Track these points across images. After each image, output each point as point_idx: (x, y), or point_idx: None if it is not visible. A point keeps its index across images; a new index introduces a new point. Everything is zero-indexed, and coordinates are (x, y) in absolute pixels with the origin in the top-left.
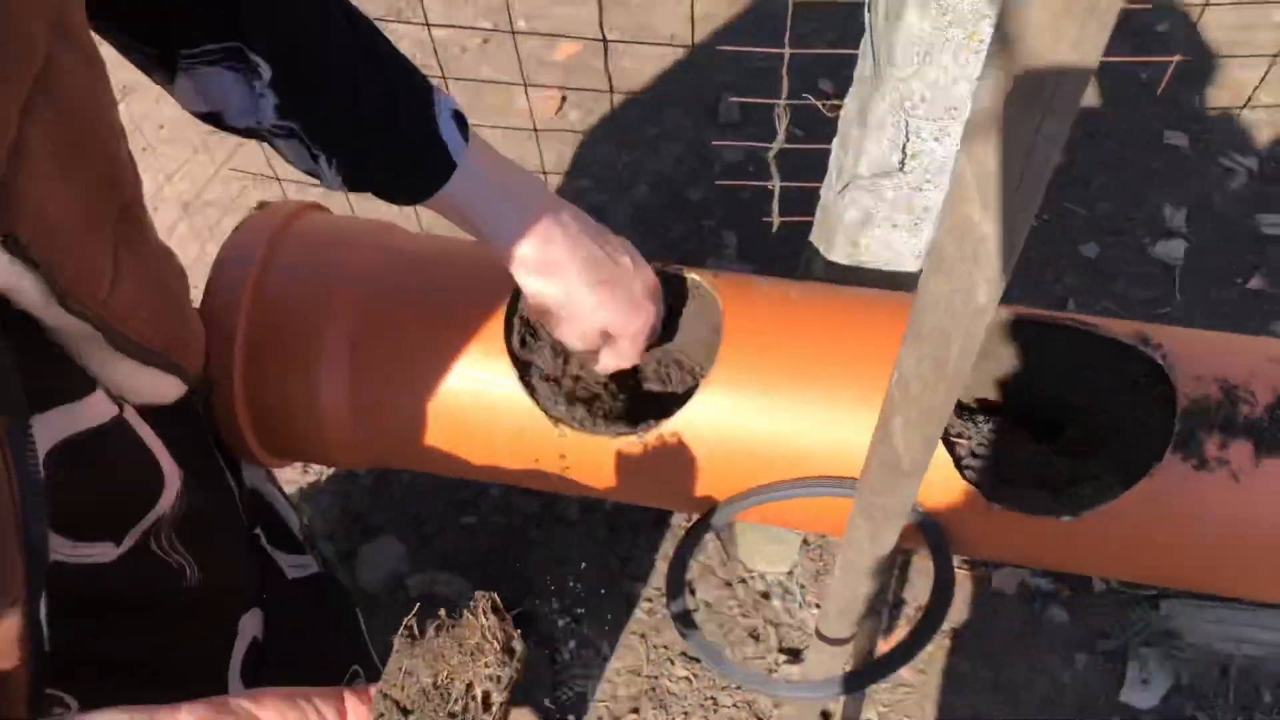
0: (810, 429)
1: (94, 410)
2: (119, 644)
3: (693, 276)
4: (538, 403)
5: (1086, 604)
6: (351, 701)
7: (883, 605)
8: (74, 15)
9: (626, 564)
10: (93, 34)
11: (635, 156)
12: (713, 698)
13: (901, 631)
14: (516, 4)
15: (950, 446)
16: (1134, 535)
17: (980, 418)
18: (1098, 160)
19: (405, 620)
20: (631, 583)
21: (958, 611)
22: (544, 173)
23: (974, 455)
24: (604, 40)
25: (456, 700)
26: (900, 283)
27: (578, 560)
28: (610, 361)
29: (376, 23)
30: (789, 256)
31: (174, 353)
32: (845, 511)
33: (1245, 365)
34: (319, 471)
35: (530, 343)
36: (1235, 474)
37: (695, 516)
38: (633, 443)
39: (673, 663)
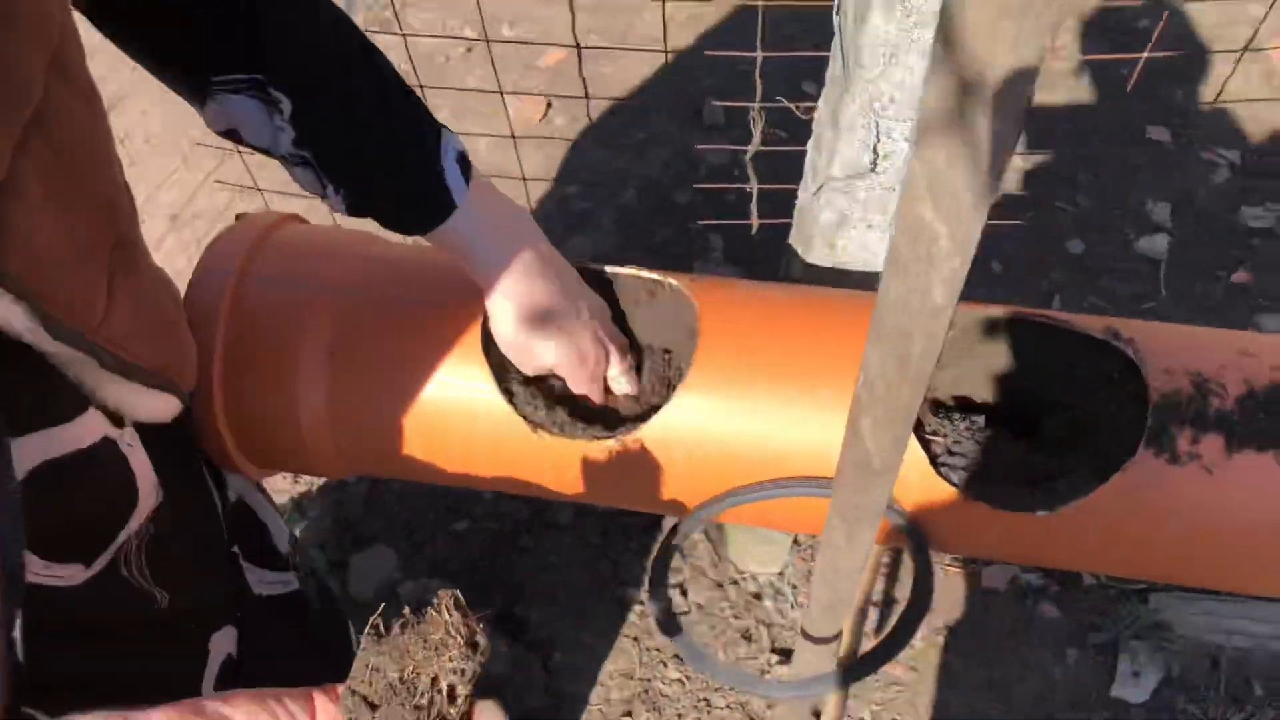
0: (788, 429)
1: (82, 432)
2: (89, 665)
3: (669, 281)
4: (516, 408)
5: (1076, 599)
6: (320, 700)
7: (868, 603)
8: (71, 54)
9: (618, 568)
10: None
11: (622, 161)
12: (706, 699)
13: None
14: (502, 11)
15: (926, 444)
16: (1109, 530)
17: (957, 415)
18: (1081, 157)
19: (370, 619)
20: (623, 587)
21: (949, 609)
22: (525, 179)
23: (950, 453)
24: (577, 46)
25: (422, 694)
26: (878, 283)
27: (569, 565)
28: (585, 392)
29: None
30: (775, 258)
31: (170, 372)
32: (824, 511)
33: (1216, 358)
34: (310, 481)
35: None
36: (1208, 467)
37: (678, 519)
38: (612, 447)
39: (666, 665)
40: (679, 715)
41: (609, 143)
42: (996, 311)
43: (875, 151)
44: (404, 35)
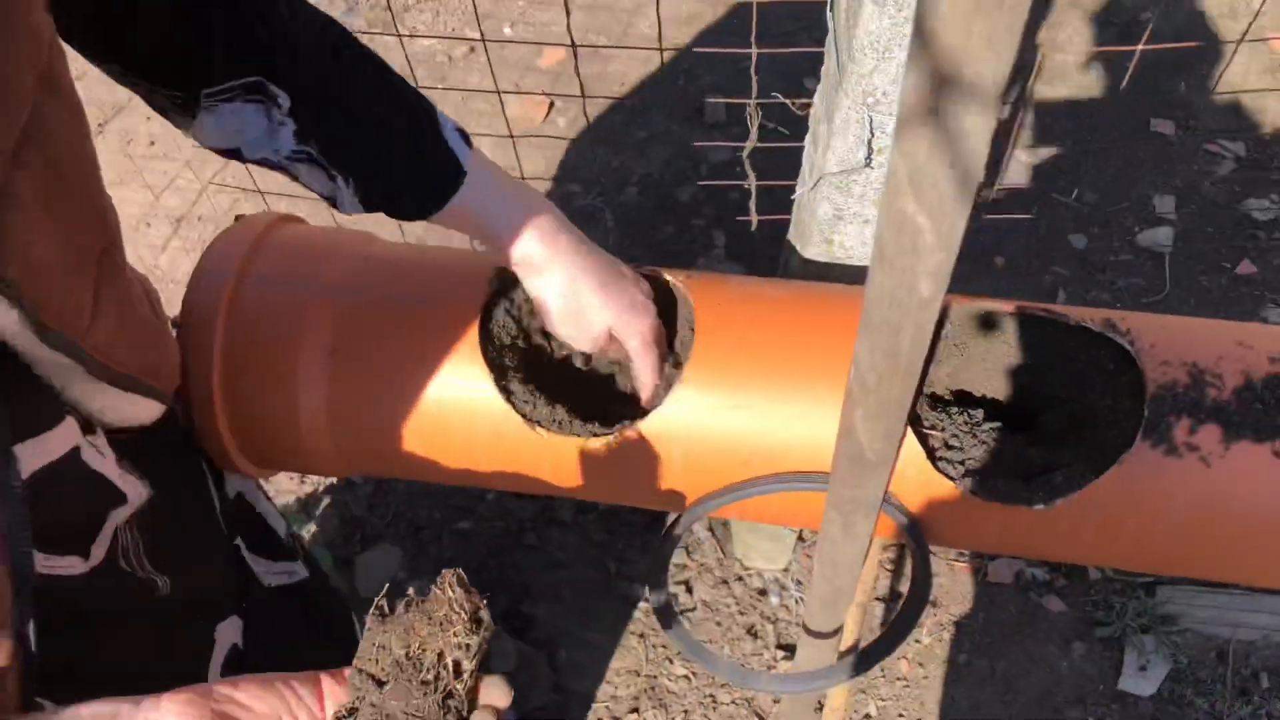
0: (784, 424)
1: (63, 438)
2: (97, 654)
3: (665, 277)
4: (514, 407)
5: (1082, 592)
6: (328, 683)
7: (872, 599)
8: (59, 68)
9: (623, 565)
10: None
11: (623, 159)
12: (712, 695)
13: None
14: (501, 11)
15: (924, 439)
16: (1107, 522)
17: (954, 410)
18: (1084, 150)
19: (376, 600)
20: (628, 583)
21: (955, 604)
22: (524, 177)
23: (948, 447)
24: (573, 45)
25: (429, 669)
26: None
27: (574, 562)
28: (643, 378)
29: (363, 36)
30: (777, 254)
31: (151, 377)
32: (822, 505)
33: (1213, 349)
34: (316, 481)
35: (505, 346)
36: (1205, 458)
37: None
38: (610, 443)
39: (671, 662)
40: (685, 711)
41: (610, 141)
42: (993, 305)
43: (870, 147)
44: (401, 36)
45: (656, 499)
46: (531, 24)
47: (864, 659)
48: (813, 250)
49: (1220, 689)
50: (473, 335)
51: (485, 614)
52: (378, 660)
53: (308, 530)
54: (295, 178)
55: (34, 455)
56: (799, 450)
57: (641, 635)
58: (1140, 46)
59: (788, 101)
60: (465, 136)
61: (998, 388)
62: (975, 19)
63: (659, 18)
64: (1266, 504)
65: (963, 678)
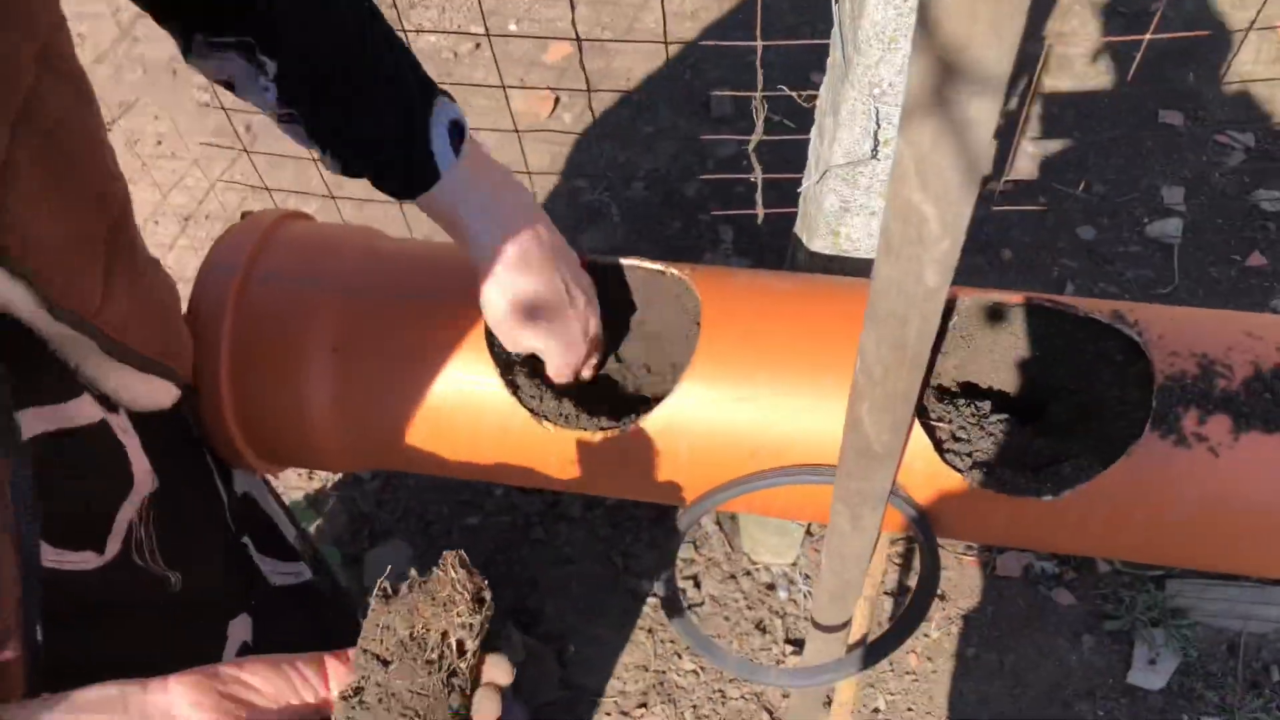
0: (791, 417)
1: (75, 411)
2: (108, 649)
3: (671, 271)
4: (521, 401)
5: (1091, 585)
6: (332, 663)
7: (880, 593)
8: (61, 45)
9: (630, 560)
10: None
11: (630, 154)
12: (721, 690)
13: None
14: (506, 7)
15: (931, 431)
16: (1115, 513)
17: (962, 401)
18: (1092, 141)
19: (379, 582)
20: (636, 579)
21: (964, 597)
22: (529, 173)
23: (956, 439)
24: (578, 39)
25: (433, 649)
26: None
27: (582, 557)
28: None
29: None
30: (784, 248)
31: (166, 357)
32: (829, 499)
33: (1222, 340)
34: (325, 478)
35: None
36: (1214, 449)
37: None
38: (616, 437)
39: (680, 657)
40: (694, 706)
41: (616, 136)
42: (1001, 297)
43: (876, 139)
44: (407, 32)
45: (663, 493)
46: (536, 19)
47: (872, 652)
48: (819, 243)
49: (1231, 682)
50: (479, 330)
51: (487, 594)
52: (382, 640)
53: (315, 527)
54: (282, 129)
55: (46, 420)
56: (806, 443)
57: (650, 630)
58: (1148, 36)
59: (794, 94)
60: (459, 135)
61: (1005, 379)
62: (979, 5)
63: (664, 12)
64: (1276, 495)
65: (971, 671)
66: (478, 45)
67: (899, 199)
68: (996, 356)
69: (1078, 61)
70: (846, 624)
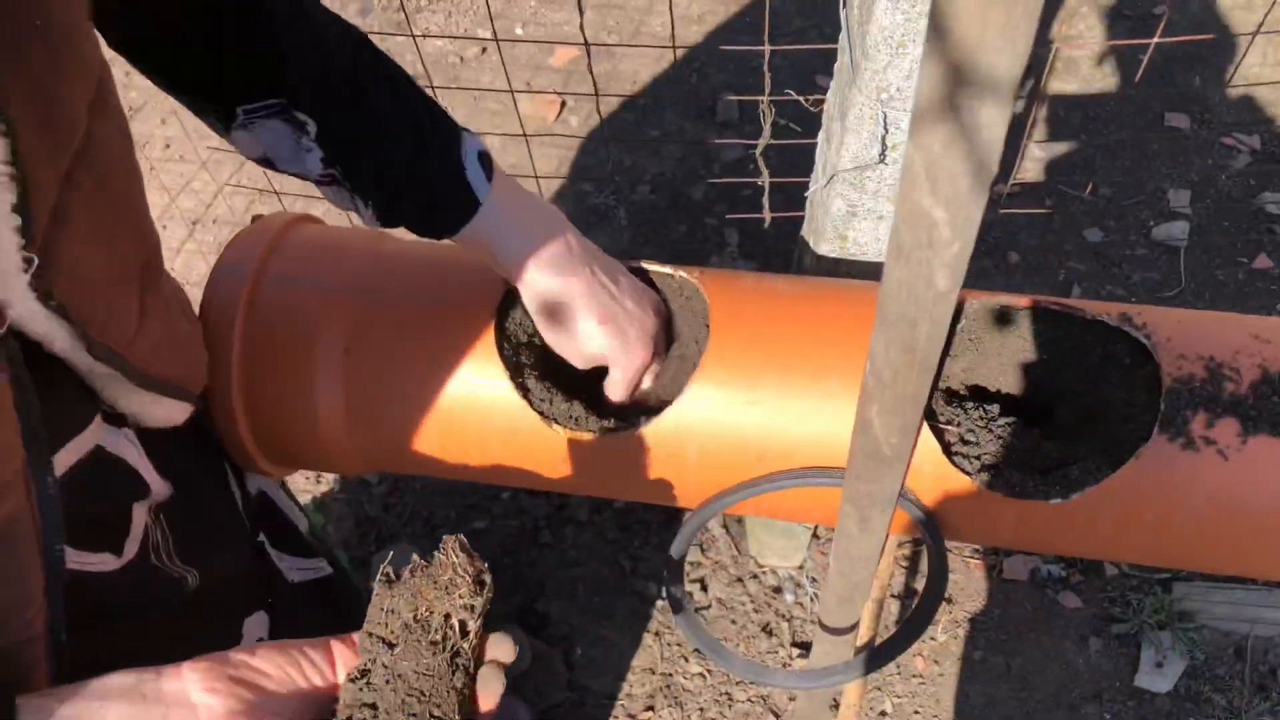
0: (800, 420)
1: (90, 436)
2: (126, 648)
3: (680, 274)
4: (531, 404)
5: (1098, 588)
6: (339, 648)
7: (887, 595)
8: (109, 89)
9: (638, 563)
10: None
11: (636, 158)
12: (728, 693)
13: None
14: (513, 11)
15: (940, 434)
16: (1124, 516)
17: (970, 404)
18: (1098, 144)
19: (381, 568)
20: (643, 581)
21: (971, 600)
22: (536, 177)
23: (964, 441)
24: (585, 44)
25: (436, 630)
26: None
27: (589, 560)
28: (609, 394)
29: (377, 36)
30: (791, 252)
31: (185, 382)
32: (837, 501)
33: (1230, 342)
34: (332, 480)
35: (522, 344)
36: (1222, 452)
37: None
38: (625, 441)
39: (687, 659)
40: (701, 709)
41: (623, 140)
42: (1009, 300)
43: (884, 143)
44: (414, 37)
45: (671, 496)
46: (543, 24)
47: (879, 655)
48: (826, 247)
49: (1238, 686)
50: (489, 332)
51: (487, 577)
52: (387, 624)
53: (322, 530)
54: (322, 193)
55: (68, 455)
56: (814, 446)
57: (657, 633)
58: (1154, 40)
59: (801, 98)
60: (488, 162)
61: (1013, 382)
62: (990, 11)
63: (671, 16)
64: None
65: (978, 674)
66: (484, 49)
67: (909, 203)
68: (1004, 359)
69: (1084, 64)
70: (854, 627)
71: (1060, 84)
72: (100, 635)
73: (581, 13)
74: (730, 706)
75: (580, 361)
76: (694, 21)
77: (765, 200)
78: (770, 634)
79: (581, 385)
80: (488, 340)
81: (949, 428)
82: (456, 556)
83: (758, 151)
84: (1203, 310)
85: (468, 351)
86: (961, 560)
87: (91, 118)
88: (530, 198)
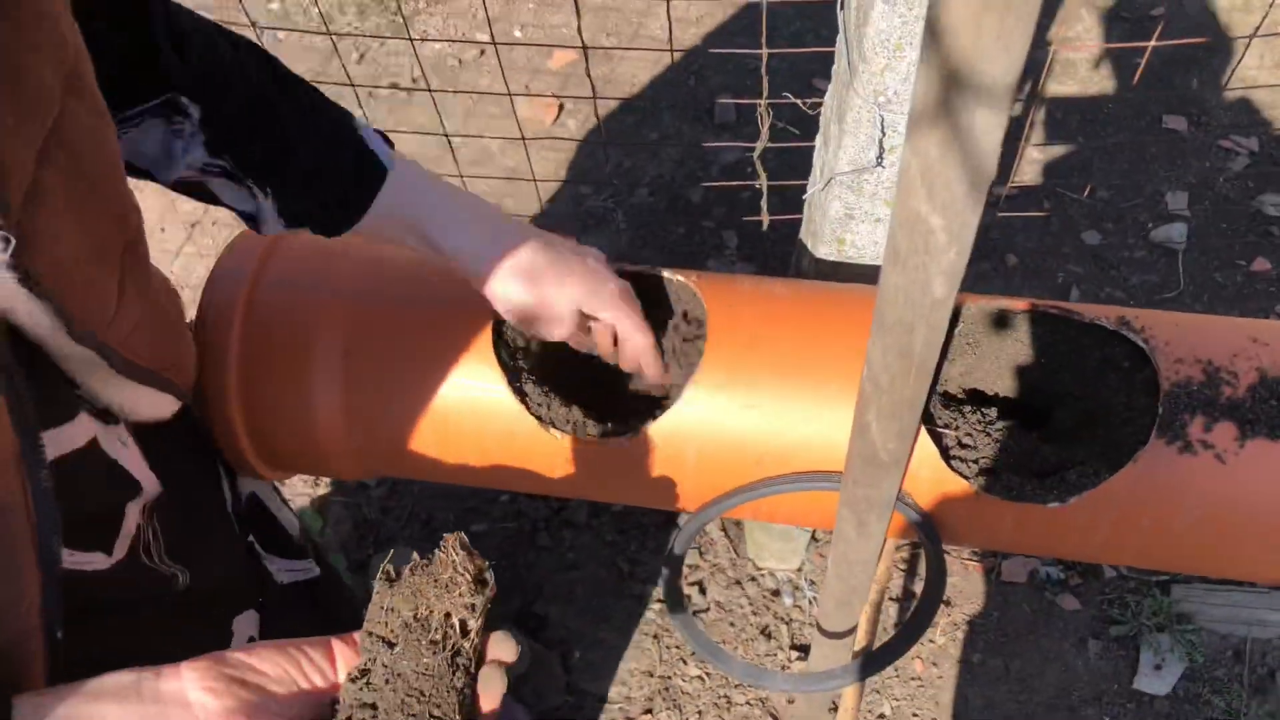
0: (798, 424)
1: (77, 432)
2: (118, 644)
3: (677, 278)
4: (528, 408)
5: (1097, 591)
6: (339, 647)
7: (885, 598)
8: (84, 71)
9: (636, 566)
10: None
11: (634, 161)
12: (726, 696)
13: None
14: (511, 14)
15: (938, 438)
16: (1122, 519)
17: (968, 408)
18: (1096, 147)
19: (381, 566)
20: (641, 584)
21: (969, 603)
22: (534, 180)
23: (962, 445)
24: (584, 47)
25: (436, 629)
26: None
27: (587, 563)
28: (635, 339)
29: (371, 39)
30: (789, 255)
31: (169, 372)
32: (835, 505)
33: (1227, 346)
34: (330, 484)
35: (520, 348)
36: (1220, 455)
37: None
38: (623, 445)
39: (685, 662)
40: (699, 712)
41: (621, 142)
42: (1006, 303)
43: (881, 146)
44: (412, 40)
45: (670, 500)
46: (541, 26)
47: (878, 658)
48: (824, 250)
49: (1237, 688)
50: (486, 337)
51: (489, 575)
52: (387, 623)
53: (320, 533)
54: (216, 198)
55: (53, 446)
56: (812, 450)
57: (655, 636)
58: (1152, 43)
59: (799, 101)
60: (386, 139)
61: (1011, 386)
62: (985, 17)
63: (669, 19)
64: None
65: (977, 677)
66: (482, 52)
67: (906, 209)
68: (1002, 363)
69: (1082, 67)
70: (852, 630)
71: (1058, 86)
72: (91, 631)
73: (579, 15)
74: (729, 709)
75: (562, 330)
76: (692, 24)
77: (764, 203)
78: (769, 637)
79: (579, 390)
80: (485, 344)
81: (947, 431)
82: (457, 554)
83: (755, 154)
84: (1200, 314)
85: (465, 356)
86: (960, 563)
87: (65, 97)
88: (433, 172)
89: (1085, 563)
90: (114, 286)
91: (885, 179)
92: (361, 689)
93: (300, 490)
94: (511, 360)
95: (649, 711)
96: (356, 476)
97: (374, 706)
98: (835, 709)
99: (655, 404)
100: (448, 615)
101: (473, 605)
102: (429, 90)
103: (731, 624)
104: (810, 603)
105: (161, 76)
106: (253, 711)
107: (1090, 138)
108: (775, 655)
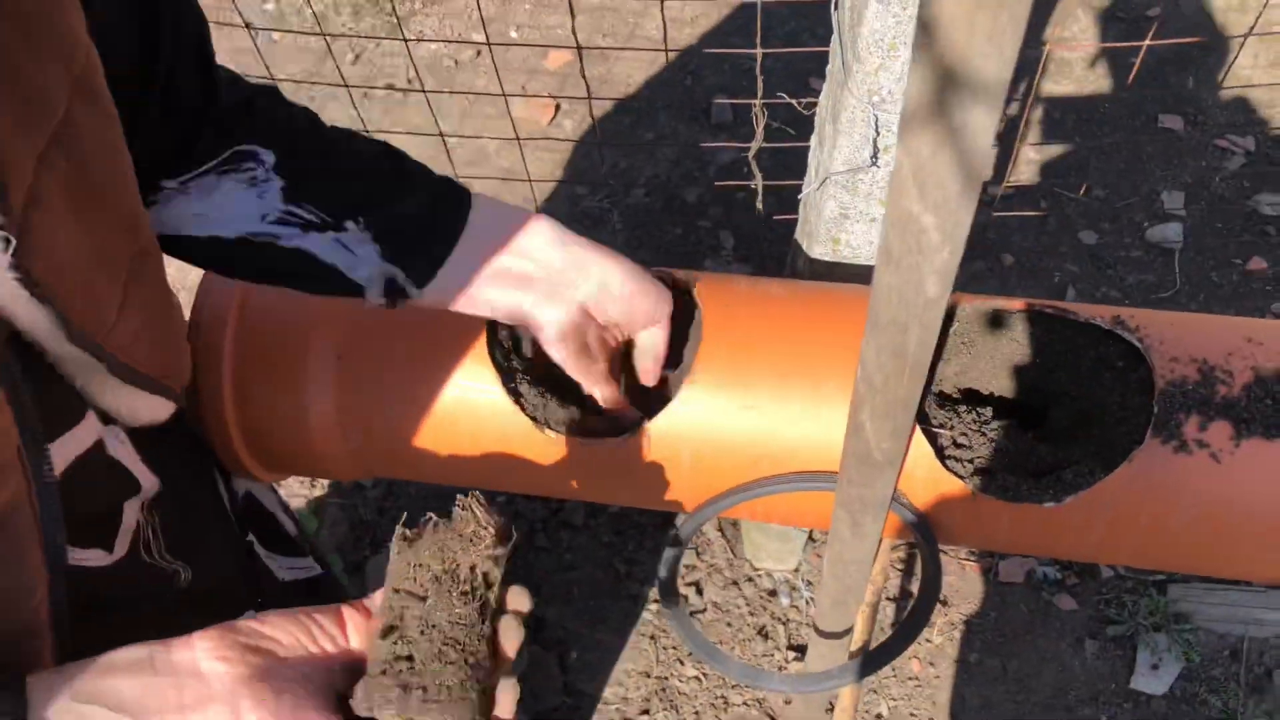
0: (793, 424)
1: (85, 433)
2: (120, 639)
3: (672, 277)
4: (523, 409)
5: (1094, 591)
6: (350, 613)
7: (881, 598)
8: (95, 79)
9: (633, 566)
10: None
11: (630, 161)
12: (723, 696)
13: None
14: (507, 15)
15: (933, 437)
16: (1118, 519)
17: (963, 408)
18: (1092, 146)
19: (398, 527)
20: (638, 585)
21: (966, 603)
22: (530, 180)
23: (957, 445)
24: (578, 47)
25: (464, 581)
26: None
27: (584, 564)
28: (658, 352)
29: (367, 40)
30: (785, 255)
31: (168, 378)
32: (831, 505)
33: (1222, 345)
34: (326, 485)
35: (514, 350)
36: (1215, 455)
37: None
38: (618, 445)
39: (682, 663)
40: (696, 713)
41: (618, 143)
42: (1001, 302)
43: (876, 146)
44: (407, 41)
45: (666, 500)
46: (537, 27)
47: (874, 658)
48: (819, 249)
49: (1234, 687)
50: (481, 338)
51: (511, 529)
52: (415, 578)
53: (317, 534)
54: (292, 273)
55: (63, 450)
56: (808, 450)
57: (652, 637)
58: (1147, 42)
59: (794, 101)
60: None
61: (1006, 385)
62: (977, 15)
63: (663, 19)
64: (1277, 500)
65: (974, 677)
66: (478, 53)
67: (898, 209)
68: (998, 362)
69: (1078, 66)
70: (849, 630)
71: (1054, 86)
72: (95, 628)
73: (573, 15)
74: (726, 710)
75: (635, 325)
76: (687, 24)
77: (759, 204)
78: (766, 637)
79: (575, 390)
80: (480, 346)
81: (942, 431)
82: (477, 511)
83: (750, 154)
84: (1195, 313)
85: (460, 357)
86: (957, 563)
87: (73, 101)
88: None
89: (1082, 562)
90: (117, 294)
91: (880, 179)
92: (395, 643)
93: (296, 491)
94: (506, 361)
95: (646, 712)
96: (351, 478)
97: (410, 658)
98: (832, 709)
99: (651, 405)
100: (474, 567)
101: (496, 557)
102: (424, 91)
103: (728, 624)
104: (807, 603)
105: (226, 130)
106: (265, 677)
107: (1086, 137)
108: (772, 655)
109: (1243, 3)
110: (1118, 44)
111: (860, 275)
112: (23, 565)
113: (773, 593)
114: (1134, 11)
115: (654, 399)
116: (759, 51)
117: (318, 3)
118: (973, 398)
